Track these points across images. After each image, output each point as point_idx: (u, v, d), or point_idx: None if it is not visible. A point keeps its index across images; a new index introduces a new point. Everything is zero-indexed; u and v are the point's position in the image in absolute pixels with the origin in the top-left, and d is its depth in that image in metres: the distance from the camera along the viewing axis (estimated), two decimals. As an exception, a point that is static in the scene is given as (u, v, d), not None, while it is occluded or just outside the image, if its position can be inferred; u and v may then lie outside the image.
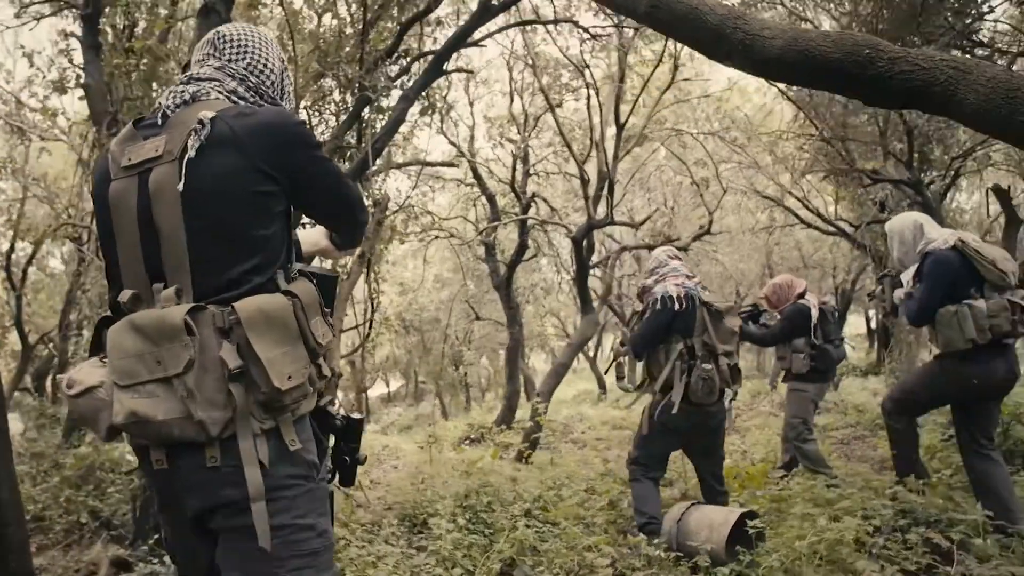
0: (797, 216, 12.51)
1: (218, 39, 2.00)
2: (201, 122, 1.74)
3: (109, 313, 1.84)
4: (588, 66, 9.40)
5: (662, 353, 4.19)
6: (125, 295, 1.75)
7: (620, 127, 8.81)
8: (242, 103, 1.91)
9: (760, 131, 11.32)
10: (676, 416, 4.15)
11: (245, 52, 1.97)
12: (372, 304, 5.08)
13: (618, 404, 14.40)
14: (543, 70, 10.01)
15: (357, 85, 4.85)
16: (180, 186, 1.70)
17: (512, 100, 11.76)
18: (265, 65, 1.99)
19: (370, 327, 5.05)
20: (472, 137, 12.23)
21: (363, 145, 4.88)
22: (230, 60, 1.96)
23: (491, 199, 11.83)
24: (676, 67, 9.40)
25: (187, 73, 1.96)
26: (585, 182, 9.32)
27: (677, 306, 4.08)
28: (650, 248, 10.79)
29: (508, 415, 11.90)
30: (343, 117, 5.09)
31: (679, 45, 10.09)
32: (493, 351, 22.28)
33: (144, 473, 1.88)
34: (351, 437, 2.12)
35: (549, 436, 10.01)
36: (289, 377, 1.71)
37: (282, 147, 1.80)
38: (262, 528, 1.66)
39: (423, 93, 5.32)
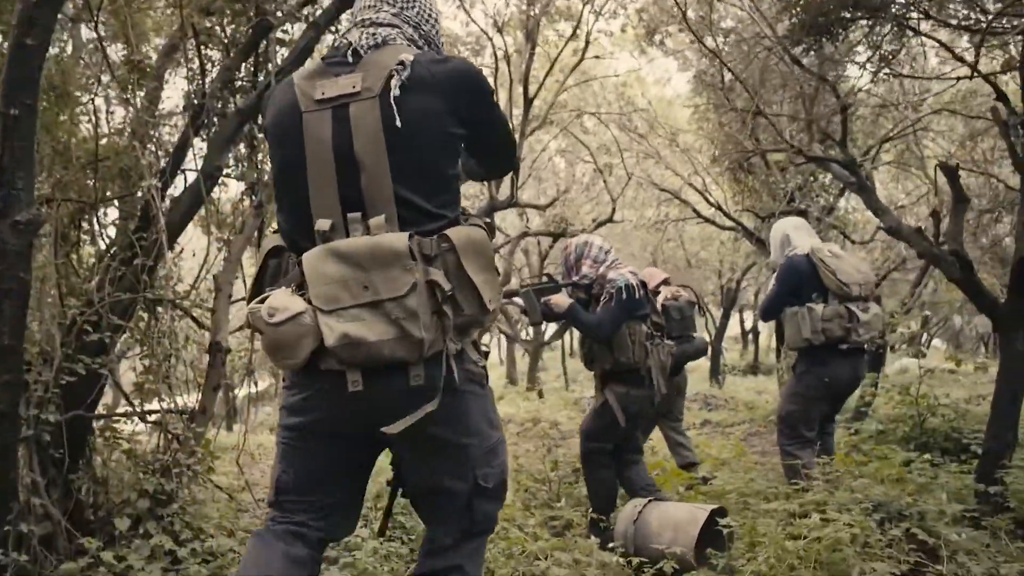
0: (695, 210, 12.34)
1: None
2: (403, 63, 1.82)
3: (276, 244, 1.92)
4: (492, 38, 8.80)
5: (626, 338, 4.22)
6: (324, 224, 1.79)
7: (528, 102, 8.25)
8: (422, 50, 1.99)
9: (666, 121, 11.06)
10: (642, 397, 4.25)
11: (415, 1, 2.04)
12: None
13: (528, 397, 13.95)
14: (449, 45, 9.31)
15: (254, 10, 4.05)
16: (388, 122, 1.79)
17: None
18: (430, 15, 2.07)
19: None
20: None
21: (261, 78, 4.09)
22: (403, 8, 2.03)
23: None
24: (588, 43, 8.96)
25: (363, 16, 2.01)
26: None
27: (638, 294, 4.19)
28: (553, 235, 10.32)
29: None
30: (233, 51, 4.26)
31: (589, 23, 9.73)
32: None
33: (306, 399, 1.89)
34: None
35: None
36: (491, 300, 1.83)
37: (474, 95, 1.92)
38: (474, 425, 1.91)
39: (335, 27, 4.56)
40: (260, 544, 1.91)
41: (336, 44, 2.01)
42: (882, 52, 5.70)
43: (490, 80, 9.70)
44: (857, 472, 4.77)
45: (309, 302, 1.74)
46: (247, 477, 4.41)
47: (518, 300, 4.30)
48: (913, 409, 6.78)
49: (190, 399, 3.98)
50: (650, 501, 3.81)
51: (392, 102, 1.78)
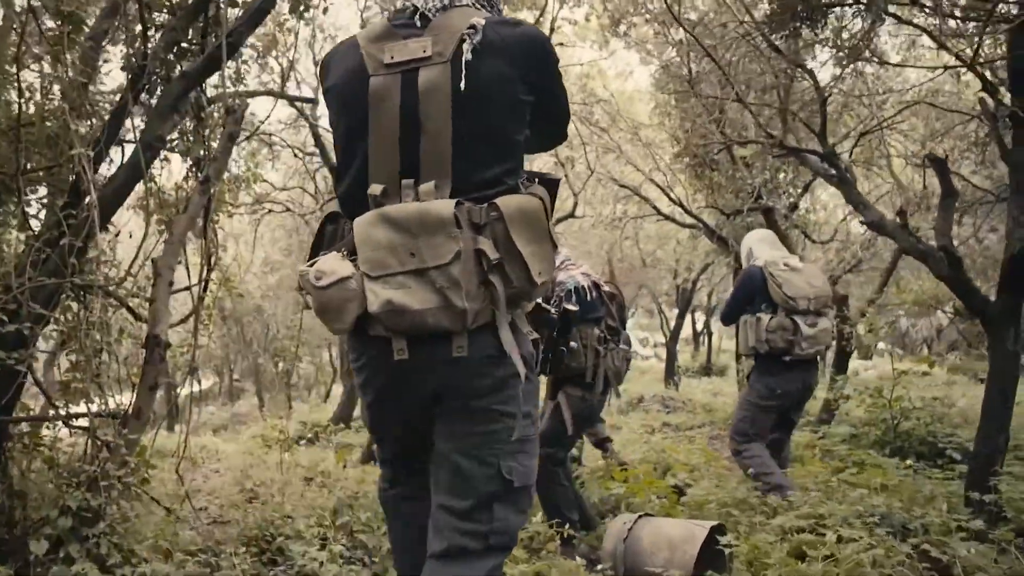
0: (655, 207, 12.10)
1: None
2: (474, 27, 1.81)
3: (333, 210, 1.92)
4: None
5: (577, 340, 4.04)
6: (376, 188, 1.79)
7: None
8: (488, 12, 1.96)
9: (628, 116, 10.77)
10: (593, 403, 4.16)
11: None
12: (209, 260, 3.83)
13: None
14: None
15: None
16: (457, 86, 1.77)
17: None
18: None
19: (205, 287, 3.80)
20: (317, 102, 10.82)
21: (211, 39, 3.65)
22: None
23: (333, 170, 10.54)
24: (552, 30, 8.62)
25: None
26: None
27: (590, 295, 4.05)
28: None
29: (347, 411, 10.73)
30: (180, 12, 3.80)
31: (555, 9, 9.37)
32: (318, 346, 20.67)
33: (362, 365, 1.90)
34: (565, 328, 2.62)
35: None
36: (540, 273, 1.79)
37: (543, 61, 1.91)
38: (515, 409, 1.83)
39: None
40: (394, 515, 2.10)
41: (401, 5, 1.96)
42: (849, 42, 5.47)
43: None
44: (847, 480, 4.58)
45: (358, 267, 1.73)
46: (187, 487, 3.94)
47: None
48: (886, 412, 6.64)
49: (123, 400, 3.49)
50: (640, 517, 3.47)
51: (464, 66, 1.77)
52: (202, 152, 3.90)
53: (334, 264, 1.74)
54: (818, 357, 4.97)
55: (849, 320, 8.39)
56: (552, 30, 8.76)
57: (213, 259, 4.02)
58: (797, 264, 4.88)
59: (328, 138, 11.15)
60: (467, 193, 1.77)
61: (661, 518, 3.59)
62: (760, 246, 5.05)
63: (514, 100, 1.84)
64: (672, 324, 18.82)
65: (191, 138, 4.03)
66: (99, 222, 3.16)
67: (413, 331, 1.73)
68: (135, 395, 3.42)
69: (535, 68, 1.87)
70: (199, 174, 3.74)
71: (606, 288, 4.28)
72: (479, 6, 1.96)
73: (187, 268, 4.15)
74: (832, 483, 4.33)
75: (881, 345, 26.56)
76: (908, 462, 5.43)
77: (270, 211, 10.62)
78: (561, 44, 9.66)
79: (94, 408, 3.23)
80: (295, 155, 11.46)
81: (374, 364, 1.87)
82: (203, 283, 4.04)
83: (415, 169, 1.80)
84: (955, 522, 3.56)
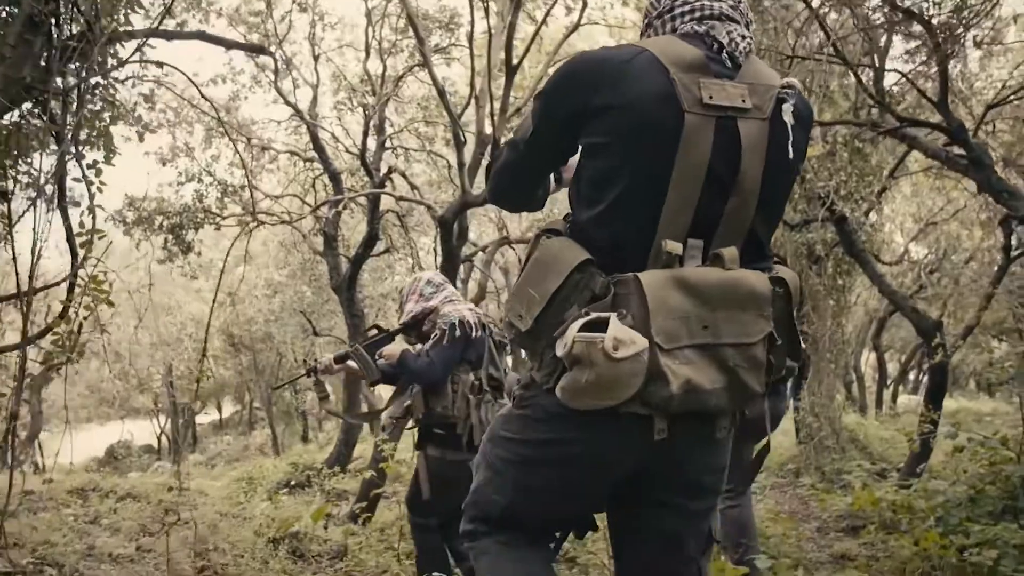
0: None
1: None
2: (793, 87, 1.71)
3: (586, 256, 1.63)
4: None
5: (447, 384, 3.74)
6: (675, 246, 1.61)
7: (511, 70, 6.53)
8: None
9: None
10: (460, 460, 3.65)
11: None
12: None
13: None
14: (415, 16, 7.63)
15: None
16: (777, 149, 1.68)
17: (368, 55, 9.28)
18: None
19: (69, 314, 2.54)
20: (315, 99, 9.61)
21: None
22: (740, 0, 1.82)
23: (335, 177, 9.29)
24: (585, 4, 7.33)
25: (704, 2, 1.75)
26: (461, 143, 6.95)
27: (474, 333, 3.76)
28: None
29: (343, 454, 9.43)
30: None
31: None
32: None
33: (578, 440, 1.69)
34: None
35: (397, 485, 7.78)
36: (798, 353, 1.75)
37: (810, 131, 1.85)
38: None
39: None
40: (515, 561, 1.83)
41: (691, 30, 1.73)
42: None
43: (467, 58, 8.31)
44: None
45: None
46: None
47: (351, 363, 3.87)
48: (1013, 465, 5.14)
49: None
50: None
51: (790, 130, 1.67)
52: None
53: (630, 333, 1.52)
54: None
55: (945, 349, 6.90)
56: (585, 5, 7.48)
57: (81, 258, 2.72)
58: None
59: (325, 136, 10.01)
60: (748, 265, 1.67)
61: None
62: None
63: (799, 171, 1.82)
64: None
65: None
66: None
67: (689, 411, 1.60)
68: None
69: (807, 142, 1.81)
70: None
71: (495, 332, 3.89)
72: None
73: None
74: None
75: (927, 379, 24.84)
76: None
77: (261, 223, 9.35)
78: (595, 24, 8.38)
79: None
80: (293, 161, 10.27)
81: (609, 442, 1.66)
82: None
83: (709, 229, 1.64)
84: None
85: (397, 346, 3.82)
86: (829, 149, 8.17)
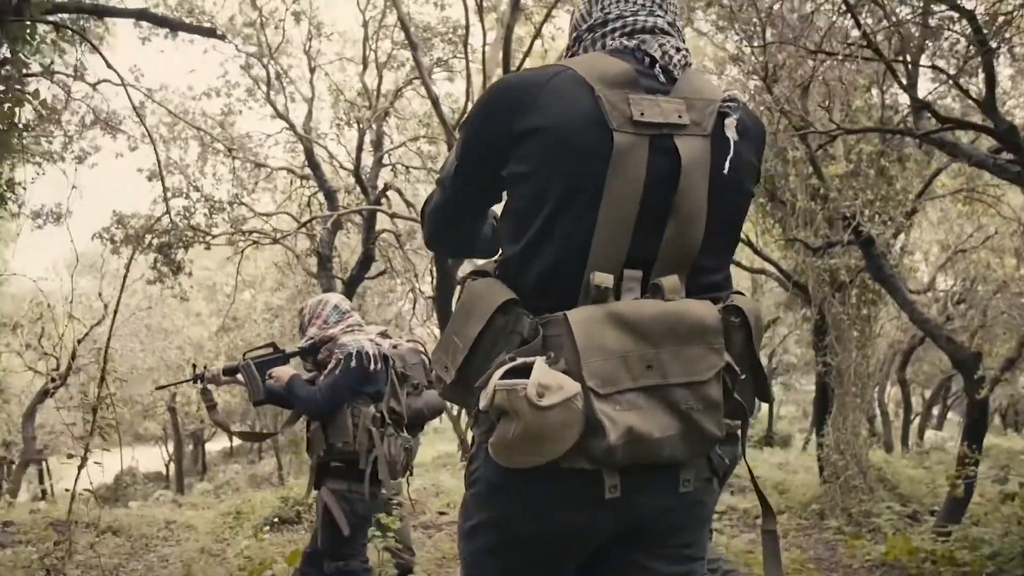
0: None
1: None
2: (736, 101, 1.57)
3: (508, 296, 1.48)
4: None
5: (347, 417, 3.62)
6: (605, 279, 1.44)
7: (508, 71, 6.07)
8: None
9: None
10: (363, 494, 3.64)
11: (674, 5, 1.69)
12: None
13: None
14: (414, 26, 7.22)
15: None
16: (719, 168, 1.52)
17: (365, 68, 8.87)
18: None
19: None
20: (310, 113, 9.19)
21: None
22: (676, 17, 1.68)
23: (330, 195, 8.85)
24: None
25: (637, 15, 1.62)
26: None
27: (373, 365, 3.62)
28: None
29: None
30: None
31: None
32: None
33: (533, 503, 1.52)
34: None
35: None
36: (763, 390, 1.65)
37: (763, 148, 1.69)
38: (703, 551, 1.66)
39: None
40: None
41: (620, 45, 1.60)
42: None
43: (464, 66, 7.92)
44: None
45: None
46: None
47: (239, 376, 3.73)
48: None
49: None
50: None
51: (732, 146, 1.51)
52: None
53: (556, 377, 1.35)
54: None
55: (984, 383, 6.29)
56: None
57: None
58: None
59: (321, 153, 9.58)
60: (696, 296, 1.50)
61: None
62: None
63: (750, 193, 1.63)
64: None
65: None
66: None
67: (639, 462, 1.42)
68: None
69: (760, 160, 1.65)
70: None
71: (397, 364, 3.82)
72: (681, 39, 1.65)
73: None
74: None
75: (952, 416, 24.04)
76: None
77: (255, 242, 8.91)
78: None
79: None
80: (290, 179, 9.85)
81: (557, 506, 1.49)
82: None
83: (648, 258, 1.48)
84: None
85: (288, 369, 3.74)
86: (853, 168, 7.66)
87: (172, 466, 22.07)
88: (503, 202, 1.62)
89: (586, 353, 1.39)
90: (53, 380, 10.42)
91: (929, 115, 4.21)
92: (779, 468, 12.82)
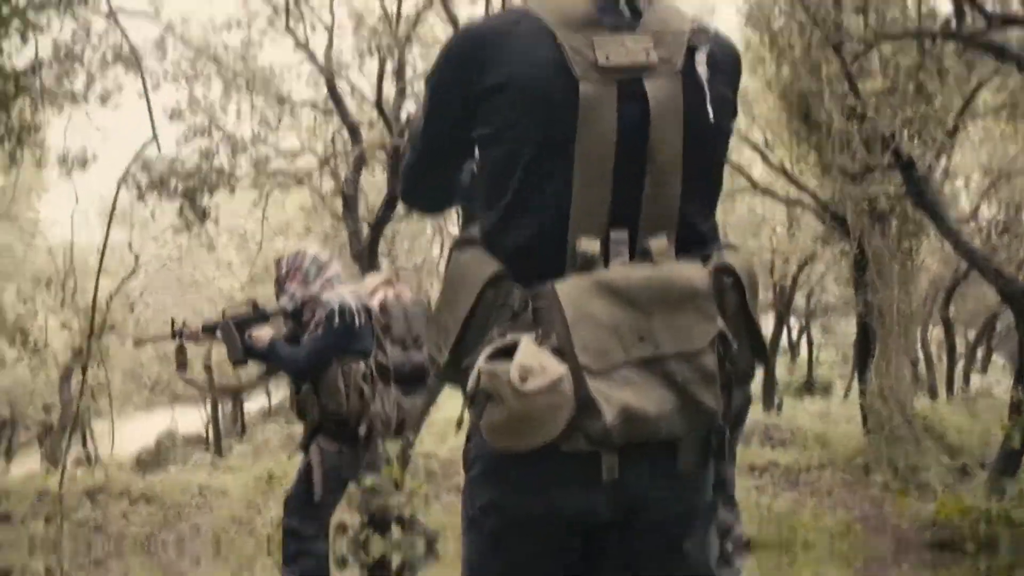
0: (748, 177, 9.91)
1: None
2: (705, 31, 1.44)
3: (497, 268, 1.39)
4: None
5: (338, 377, 3.57)
6: (591, 244, 1.36)
7: None
8: None
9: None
10: (355, 459, 3.70)
11: None
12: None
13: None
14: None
15: None
16: (695, 107, 1.40)
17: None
18: None
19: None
20: (331, 42, 9.04)
21: None
22: None
23: (353, 130, 8.76)
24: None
25: None
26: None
27: (358, 320, 3.55)
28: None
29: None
30: None
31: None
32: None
33: (528, 484, 1.45)
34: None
35: (421, 484, 7.43)
36: (759, 350, 1.53)
37: (738, 79, 1.57)
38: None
39: None
40: None
41: None
42: None
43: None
44: None
45: (558, 356, 1.30)
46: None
47: (218, 334, 3.72)
48: None
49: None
50: None
51: (704, 84, 1.39)
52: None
53: (540, 358, 1.27)
54: None
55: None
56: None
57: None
58: None
59: (344, 88, 9.45)
60: (685, 251, 1.40)
61: None
62: None
63: (728, 128, 1.50)
64: (770, 332, 16.22)
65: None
66: None
67: (636, 441, 1.34)
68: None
69: (735, 87, 1.54)
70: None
71: (379, 316, 3.73)
72: None
73: None
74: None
75: (996, 357, 23.47)
76: None
77: (279, 183, 8.88)
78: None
79: None
80: (313, 115, 9.77)
81: (553, 488, 1.42)
82: None
83: (631, 216, 1.38)
84: None
85: (268, 330, 3.70)
86: (891, 84, 7.34)
87: (211, 428, 22.20)
88: (476, 159, 1.56)
89: (576, 327, 1.34)
90: (89, 337, 10.57)
91: (977, 14, 3.94)
92: (820, 419, 12.66)
